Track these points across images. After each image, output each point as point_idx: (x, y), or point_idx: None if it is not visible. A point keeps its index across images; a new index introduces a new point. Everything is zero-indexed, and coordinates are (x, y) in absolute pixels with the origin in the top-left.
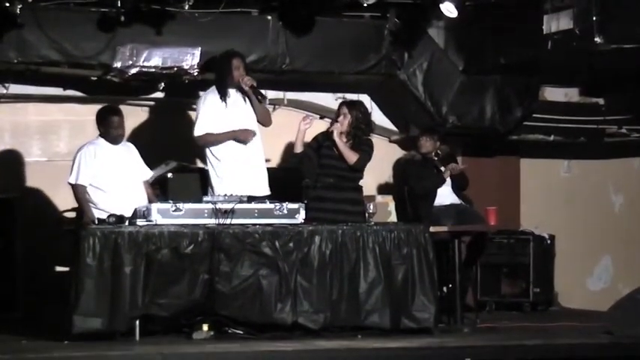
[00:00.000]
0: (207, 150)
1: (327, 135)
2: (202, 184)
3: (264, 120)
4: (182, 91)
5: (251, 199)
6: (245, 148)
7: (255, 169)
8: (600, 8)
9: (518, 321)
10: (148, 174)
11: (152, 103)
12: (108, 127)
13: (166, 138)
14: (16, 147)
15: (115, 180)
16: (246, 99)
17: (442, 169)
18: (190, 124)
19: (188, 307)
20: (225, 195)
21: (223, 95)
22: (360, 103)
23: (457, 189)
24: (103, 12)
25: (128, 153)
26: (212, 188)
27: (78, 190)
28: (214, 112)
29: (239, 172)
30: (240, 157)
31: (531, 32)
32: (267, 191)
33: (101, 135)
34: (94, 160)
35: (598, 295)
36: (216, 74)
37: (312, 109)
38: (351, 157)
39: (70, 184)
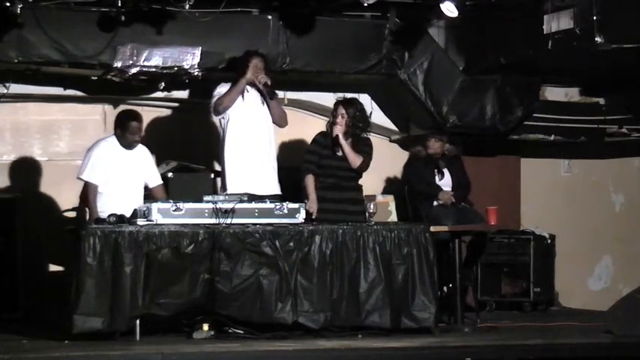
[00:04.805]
0: (220, 150)
1: (326, 135)
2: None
3: (280, 121)
4: (183, 91)
5: (257, 197)
6: (256, 147)
7: (265, 167)
8: (600, 8)
9: (519, 321)
10: (158, 180)
11: (152, 102)
12: (125, 132)
13: (167, 138)
14: (17, 146)
15: (115, 183)
16: (264, 99)
17: (444, 170)
18: (190, 123)
19: (188, 306)
20: (226, 195)
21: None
22: (356, 101)
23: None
24: (103, 12)
25: (138, 158)
26: (224, 188)
27: (90, 189)
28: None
29: (249, 171)
30: (251, 156)
31: (531, 32)
32: (277, 190)
33: (116, 136)
34: (104, 160)
35: (598, 294)
36: (235, 71)
37: (313, 109)
38: (356, 160)
39: (82, 179)
